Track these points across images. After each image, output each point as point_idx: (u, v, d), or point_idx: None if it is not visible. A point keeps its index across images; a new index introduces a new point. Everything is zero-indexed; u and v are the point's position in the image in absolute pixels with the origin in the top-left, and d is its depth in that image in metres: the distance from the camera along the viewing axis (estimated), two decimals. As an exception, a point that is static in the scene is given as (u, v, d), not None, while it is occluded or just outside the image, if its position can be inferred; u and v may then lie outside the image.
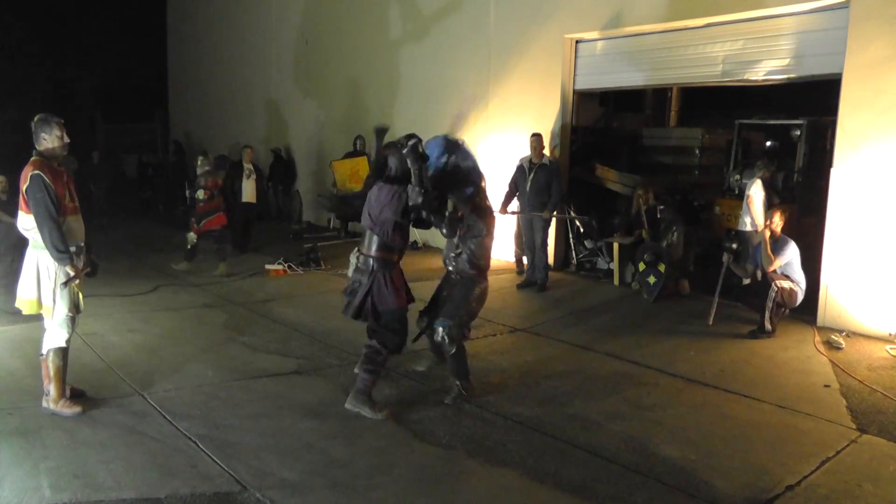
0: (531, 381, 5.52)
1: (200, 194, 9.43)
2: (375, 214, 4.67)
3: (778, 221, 6.95)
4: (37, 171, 4.43)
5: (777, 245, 6.86)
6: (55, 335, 4.62)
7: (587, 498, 3.77)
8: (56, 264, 4.49)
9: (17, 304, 4.66)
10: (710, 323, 7.12)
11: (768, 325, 6.74)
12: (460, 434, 4.51)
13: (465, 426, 4.63)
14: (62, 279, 4.51)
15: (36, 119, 4.60)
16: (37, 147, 4.57)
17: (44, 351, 4.66)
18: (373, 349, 4.76)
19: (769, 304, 6.70)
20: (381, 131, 5.30)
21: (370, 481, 3.89)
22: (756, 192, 7.94)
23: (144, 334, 6.52)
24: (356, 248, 4.94)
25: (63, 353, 4.64)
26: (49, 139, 4.54)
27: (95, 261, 4.88)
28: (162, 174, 17.14)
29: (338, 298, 8.40)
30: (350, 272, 5.05)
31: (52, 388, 4.64)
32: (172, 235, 12.85)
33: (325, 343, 6.41)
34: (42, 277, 4.54)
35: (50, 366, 4.62)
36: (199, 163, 9.79)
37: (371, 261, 4.69)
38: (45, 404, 4.65)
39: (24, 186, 4.44)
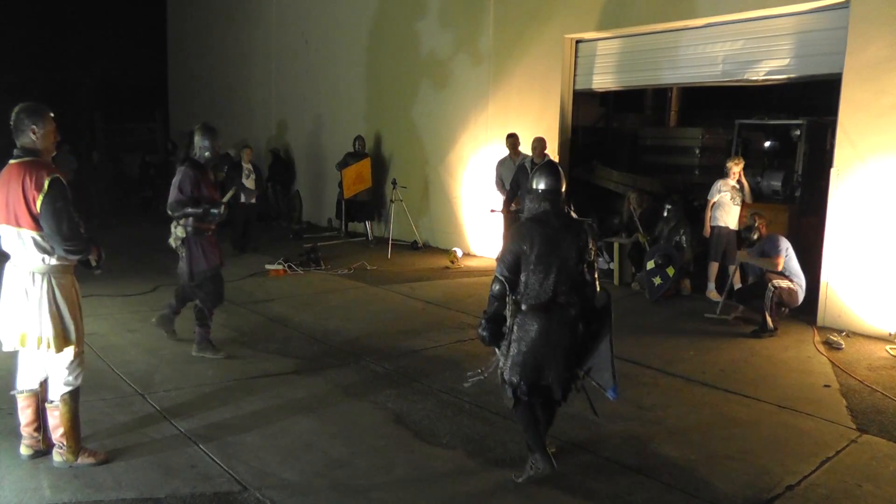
0: (531, 381, 5.51)
1: None
2: None
3: (759, 223, 7.16)
4: (56, 175, 3.64)
5: (768, 244, 6.93)
6: (68, 376, 3.83)
7: (587, 498, 3.77)
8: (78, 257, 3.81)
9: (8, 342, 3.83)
10: (717, 314, 7.49)
11: (771, 324, 6.75)
12: (460, 434, 4.51)
13: (465, 426, 4.63)
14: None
15: (20, 108, 3.69)
16: (22, 144, 3.68)
17: (54, 397, 3.84)
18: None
19: (767, 303, 6.72)
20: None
21: (370, 481, 3.89)
22: (711, 196, 8.26)
23: (144, 334, 6.52)
24: None
25: (77, 395, 3.90)
26: (42, 134, 3.69)
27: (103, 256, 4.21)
28: (163, 174, 17.15)
29: (338, 298, 8.49)
30: None
31: (66, 440, 3.84)
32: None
33: (324, 343, 6.41)
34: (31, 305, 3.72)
35: (64, 412, 3.82)
36: None
37: None
38: (57, 458, 3.88)
39: (39, 195, 3.57)
